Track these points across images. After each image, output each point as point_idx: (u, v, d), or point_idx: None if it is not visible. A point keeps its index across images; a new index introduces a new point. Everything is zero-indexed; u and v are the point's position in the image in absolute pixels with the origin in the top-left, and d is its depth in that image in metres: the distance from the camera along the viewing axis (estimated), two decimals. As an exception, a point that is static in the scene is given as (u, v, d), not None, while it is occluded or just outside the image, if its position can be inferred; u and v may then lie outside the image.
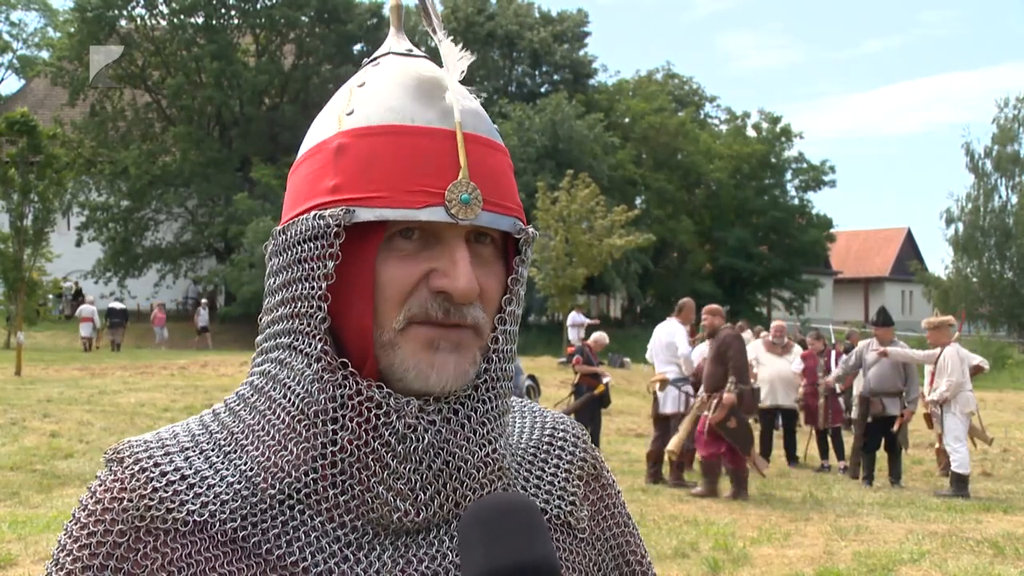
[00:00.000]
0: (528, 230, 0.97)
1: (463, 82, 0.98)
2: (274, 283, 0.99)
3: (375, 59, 1.02)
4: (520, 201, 0.99)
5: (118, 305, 29.40)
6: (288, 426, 0.93)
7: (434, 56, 1.02)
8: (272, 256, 0.99)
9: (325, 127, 0.97)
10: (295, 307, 0.94)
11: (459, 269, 0.90)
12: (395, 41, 1.03)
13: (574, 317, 24.69)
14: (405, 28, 1.06)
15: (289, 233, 0.95)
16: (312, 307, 0.92)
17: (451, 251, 0.91)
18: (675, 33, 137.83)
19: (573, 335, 24.95)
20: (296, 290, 0.94)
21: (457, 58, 0.97)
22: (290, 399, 0.94)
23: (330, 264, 0.91)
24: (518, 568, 0.81)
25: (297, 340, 0.94)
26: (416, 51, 1.02)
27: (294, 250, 0.94)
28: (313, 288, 0.92)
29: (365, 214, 0.89)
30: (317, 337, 0.92)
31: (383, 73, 0.98)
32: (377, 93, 0.95)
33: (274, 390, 0.96)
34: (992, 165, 39.44)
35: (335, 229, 0.90)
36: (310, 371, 0.92)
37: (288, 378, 0.95)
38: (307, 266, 0.93)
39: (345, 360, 0.92)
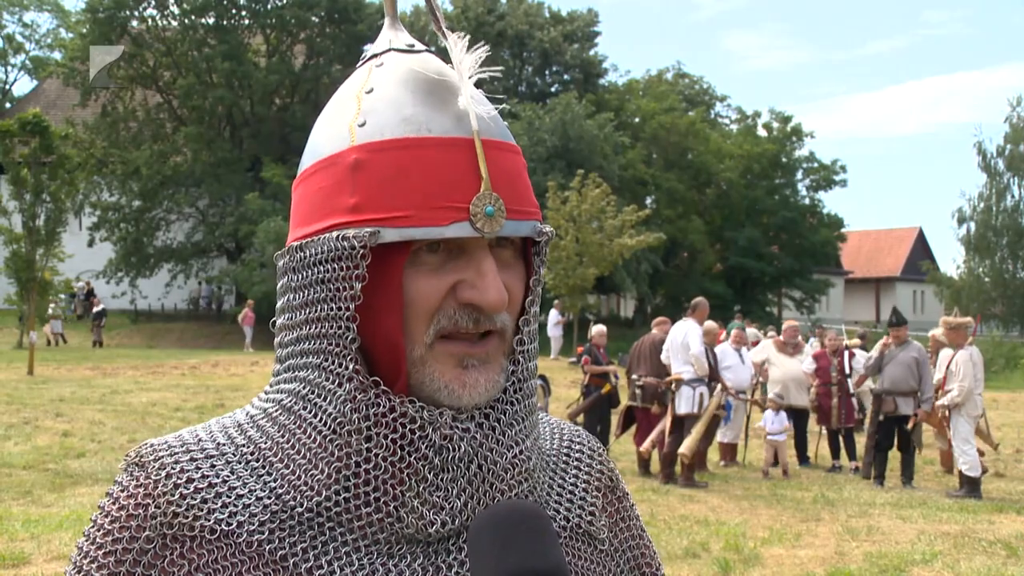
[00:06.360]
0: (547, 230, 0.96)
1: (476, 84, 0.95)
2: (294, 299, 0.96)
3: (377, 57, 0.99)
4: (536, 201, 0.97)
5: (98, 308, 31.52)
6: (319, 445, 0.92)
7: (438, 51, 1.00)
8: (288, 272, 0.96)
9: (335, 138, 0.94)
10: (322, 327, 0.92)
11: (487, 281, 0.89)
12: (393, 34, 1.00)
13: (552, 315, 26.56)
14: (405, 25, 1.02)
15: (308, 251, 0.93)
16: (341, 328, 0.91)
17: (477, 263, 0.90)
18: (681, 33, 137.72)
19: (554, 332, 26.07)
20: (321, 310, 0.92)
21: (468, 56, 0.93)
22: (321, 419, 0.92)
23: (357, 285, 0.89)
24: (530, 575, 0.80)
25: (327, 360, 0.92)
26: (418, 45, 0.99)
27: (315, 269, 0.92)
28: (340, 309, 0.90)
29: (391, 234, 0.87)
30: (348, 357, 0.91)
31: (390, 76, 0.95)
32: (388, 101, 0.92)
33: (304, 409, 0.94)
34: (1004, 164, 39.16)
35: (361, 251, 0.88)
36: (342, 391, 0.91)
37: (318, 397, 0.93)
38: (332, 286, 0.91)
39: (377, 379, 0.91)
